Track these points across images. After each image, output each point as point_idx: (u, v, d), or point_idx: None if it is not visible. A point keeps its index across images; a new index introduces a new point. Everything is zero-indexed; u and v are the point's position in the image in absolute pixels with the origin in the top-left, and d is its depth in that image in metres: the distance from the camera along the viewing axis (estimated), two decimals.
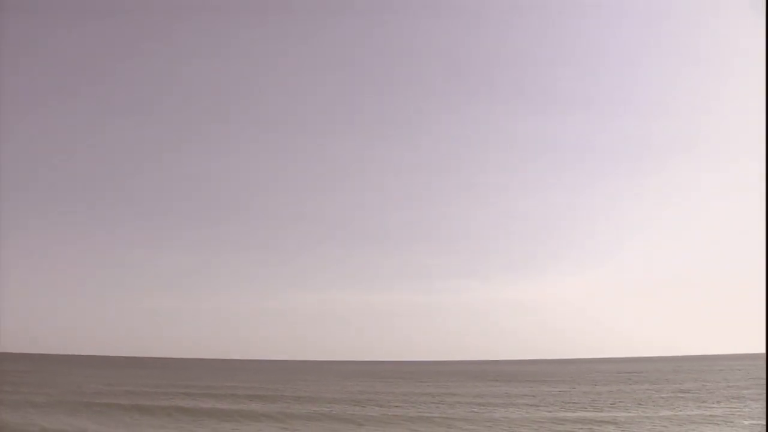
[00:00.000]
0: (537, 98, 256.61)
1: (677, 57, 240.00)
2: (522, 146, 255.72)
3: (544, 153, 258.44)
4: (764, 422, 29.32)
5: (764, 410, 35.00)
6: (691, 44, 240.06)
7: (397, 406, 38.86)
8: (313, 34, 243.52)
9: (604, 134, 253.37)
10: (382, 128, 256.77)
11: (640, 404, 39.50)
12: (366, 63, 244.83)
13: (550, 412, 35.53)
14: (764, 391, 45.71)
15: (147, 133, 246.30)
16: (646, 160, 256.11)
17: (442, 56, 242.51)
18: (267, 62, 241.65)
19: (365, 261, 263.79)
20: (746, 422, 30.67)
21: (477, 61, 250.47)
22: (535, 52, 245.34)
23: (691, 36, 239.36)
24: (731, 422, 31.28)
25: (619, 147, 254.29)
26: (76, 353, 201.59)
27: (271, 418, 32.20)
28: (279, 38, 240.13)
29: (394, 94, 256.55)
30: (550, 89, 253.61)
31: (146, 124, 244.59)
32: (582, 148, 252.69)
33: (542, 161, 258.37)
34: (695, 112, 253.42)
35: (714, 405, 38.83)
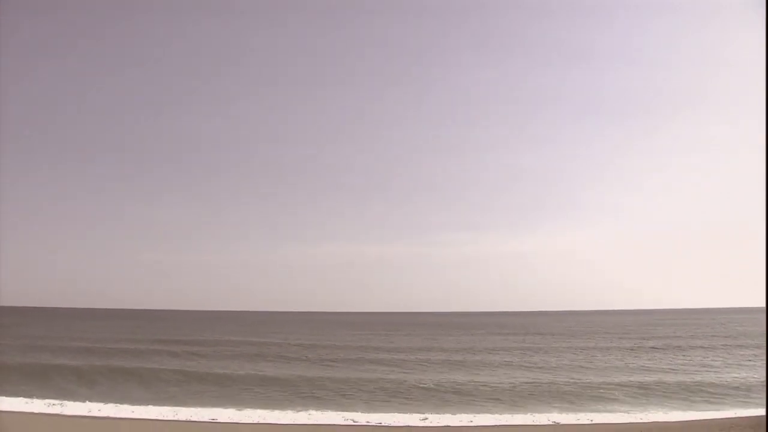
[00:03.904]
0: (541, 51, 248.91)
1: (683, 10, 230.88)
2: (526, 99, 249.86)
3: (548, 106, 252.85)
4: (764, 374, 29.56)
5: (764, 359, 35.52)
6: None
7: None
8: None
9: (607, 88, 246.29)
10: (385, 81, 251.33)
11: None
12: (368, 15, 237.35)
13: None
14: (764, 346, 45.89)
15: (147, 88, 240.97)
16: (650, 114, 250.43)
17: (445, 8, 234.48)
18: (269, 13, 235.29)
19: (367, 214, 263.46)
20: (734, 375, 31.22)
21: (479, 13, 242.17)
22: (539, 3, 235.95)
23: None
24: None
25: (622, 101, 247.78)
26: (75, 306, 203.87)
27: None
28: None
29: (396, 47, 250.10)
30: (554, 41, 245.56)
31: (146, 78, 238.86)
32: (585, 101, 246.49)
33: (545, 115, 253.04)
34: (700, 66, 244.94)
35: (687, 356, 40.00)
